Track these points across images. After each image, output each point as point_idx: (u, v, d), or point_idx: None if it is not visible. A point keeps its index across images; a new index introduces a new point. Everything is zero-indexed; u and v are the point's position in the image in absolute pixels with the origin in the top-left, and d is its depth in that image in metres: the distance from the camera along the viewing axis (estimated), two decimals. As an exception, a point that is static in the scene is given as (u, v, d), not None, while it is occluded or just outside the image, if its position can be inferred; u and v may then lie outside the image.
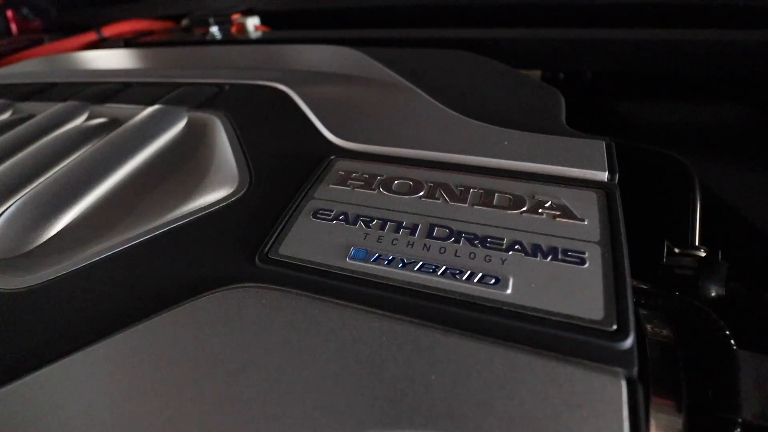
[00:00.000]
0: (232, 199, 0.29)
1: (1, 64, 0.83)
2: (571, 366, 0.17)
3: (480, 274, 0.21)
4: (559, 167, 0.27)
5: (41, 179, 0.38)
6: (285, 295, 0.22)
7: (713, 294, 0.25)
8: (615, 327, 0.18)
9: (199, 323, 0.22)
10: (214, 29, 0.78)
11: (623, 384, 0.17)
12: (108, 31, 0.90)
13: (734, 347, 0.20)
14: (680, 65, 0.53)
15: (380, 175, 0.28)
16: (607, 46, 0.55)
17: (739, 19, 0.57)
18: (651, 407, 0.19)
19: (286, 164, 0.32)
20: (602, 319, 0.19)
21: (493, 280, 0.21)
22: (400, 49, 0.51)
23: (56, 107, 0.51)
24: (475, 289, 0.21)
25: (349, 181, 0.28)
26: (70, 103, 0.51)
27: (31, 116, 0.53)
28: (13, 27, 1.28)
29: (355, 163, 0.30)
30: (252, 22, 0.81)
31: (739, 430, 0.18)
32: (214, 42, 0.76)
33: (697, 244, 0.29)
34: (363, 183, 0.28)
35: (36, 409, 0.20)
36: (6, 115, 0.55)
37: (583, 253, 0.22)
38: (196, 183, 0.32)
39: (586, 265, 0.21)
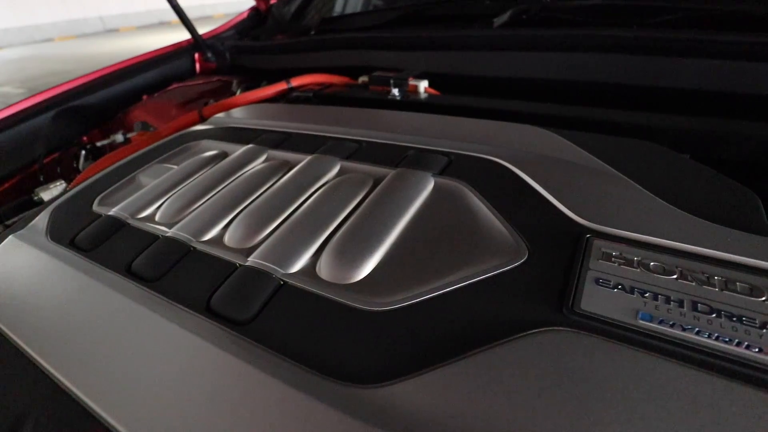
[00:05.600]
0: (519, 263, 0.41)
1: (218, 107, 1.05)
2: None
3: (746, 343, 0.31)
4: None
5: (337, 221, 0.53)
6: (597, 341, 0.33)
7: None
8: None
9: (530, 357, 0.33)
10: (395, 91, 0.94)
11: None
12: (296, 81, 1.11)
13: None
14: None
15: (637, 257, 0.39)
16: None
17: None
18: None
19: (550, 237, 0.44)
20: None
21: (757, 348, 0.31)
22: (590, 134, 0.62)
23: (312, 158, 0.67)
24: (744, 353, 0.31)
25: (613, 258, 0.40)
26: (324, 157, 0.67)
27: (286, 163, 0.70)
28: (197, 66, 1.58)
29: (610, 243, 0.41)
30: (423, 85, 0.96)
31: None
32: (402, 103, 0.92)
33: None
34: (624, 261, 0.39)
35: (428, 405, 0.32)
36: (262, 159, 0.73)
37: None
38: (478, 243, 0.45)
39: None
